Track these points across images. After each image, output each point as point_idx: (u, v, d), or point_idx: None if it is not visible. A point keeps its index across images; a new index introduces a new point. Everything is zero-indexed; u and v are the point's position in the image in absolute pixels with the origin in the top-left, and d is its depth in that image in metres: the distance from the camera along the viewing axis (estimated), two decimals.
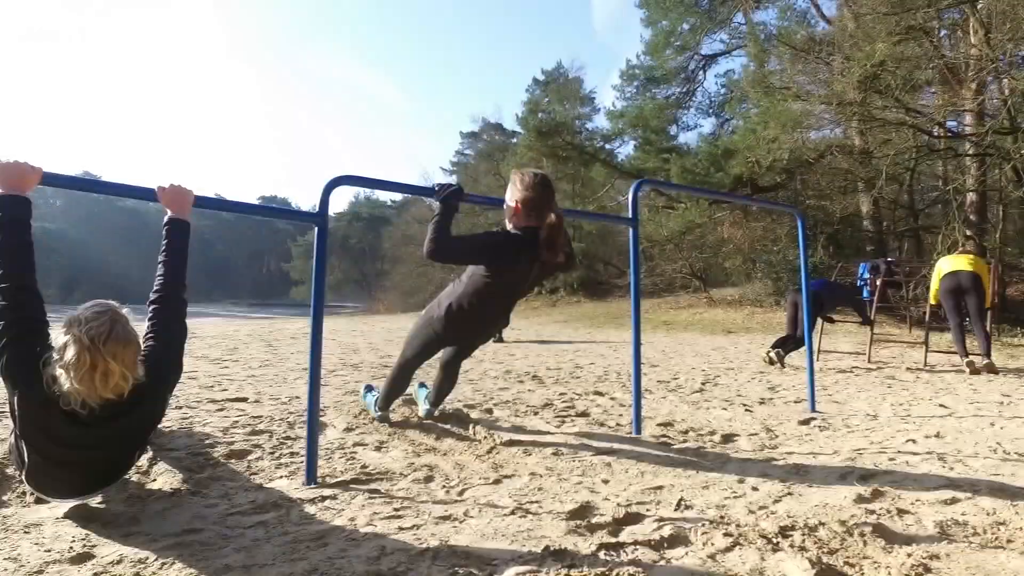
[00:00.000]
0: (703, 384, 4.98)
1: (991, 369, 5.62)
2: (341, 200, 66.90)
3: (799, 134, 13.22)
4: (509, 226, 2.47)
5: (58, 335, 1.56)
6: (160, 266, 1.87)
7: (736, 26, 19.33)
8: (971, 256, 6.22)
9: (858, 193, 14.84)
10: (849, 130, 14.56)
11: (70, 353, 1.51)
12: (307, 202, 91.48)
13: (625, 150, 22.05)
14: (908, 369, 6.07)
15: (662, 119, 19.34)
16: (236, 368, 5.30)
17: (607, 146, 21.53)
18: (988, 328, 5.98)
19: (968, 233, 12.10)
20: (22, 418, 1.58)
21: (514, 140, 28.86)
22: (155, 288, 1.85)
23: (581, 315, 17.05)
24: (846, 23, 13.31)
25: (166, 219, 1.92)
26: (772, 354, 6.13)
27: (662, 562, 1.45)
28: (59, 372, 1.52)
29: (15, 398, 1.56)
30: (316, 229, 2.20)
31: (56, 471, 1.68)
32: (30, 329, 1.59)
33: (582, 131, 21.96)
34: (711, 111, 21.57)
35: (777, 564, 1.40)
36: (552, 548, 1.48)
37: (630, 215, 3.09)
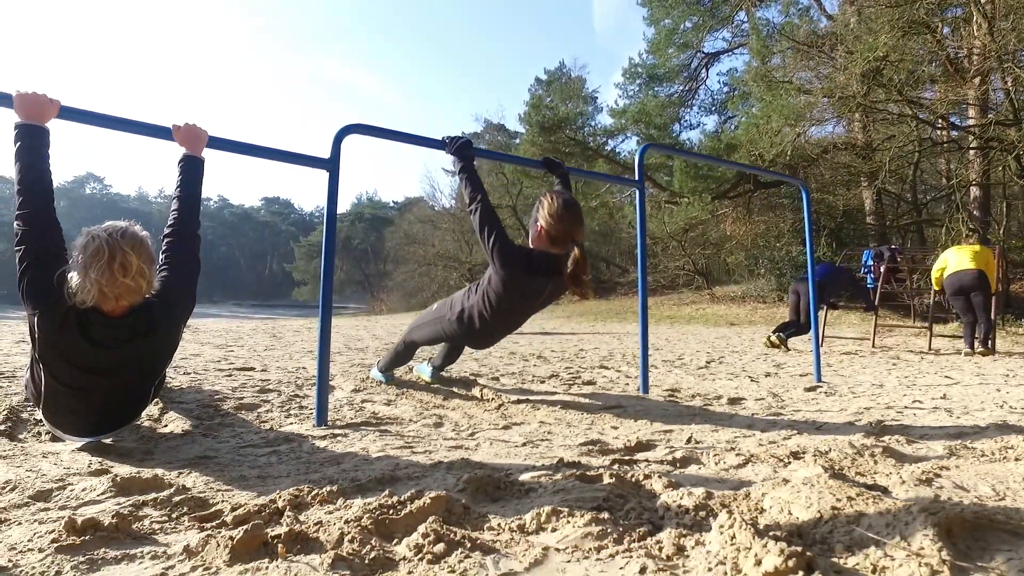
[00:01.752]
0: (708, 363, 4.99)
1: (986, 353, 5.78)
2: (344, 200, 66.98)
3: (802, 127, 13.22)
4: (532, 244, 2.44)
5: (76, 246, 1.59)
6: (175, 201, 1.90)
7: (738, 24, 19.39)
8: (976, 249, 6.16)
9: (861, 187, 14.83)
10: (852, 125, 14.57)
11: (89, 249, 1.54)
12: (309, 203, 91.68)
13: (628, 146, 22.04)
14: (912, 352, 6.07)
15: (665, 116, 19.36)
16: (242, 352, 5.31)
17: (609, 142, 21.52)
18: (992, 318, 6.03)
19: (972, 226, 12.10)
20: (41, 341, 1.60)
21: (516, 140, 28.79)
22: (169, 223, 1.87)
23: (584, 311, 17.04)
24: (848, 18, 13.33)
25: (181, 156, 1.95)
26: (774, 337, 6.20)
27: (677, 472, 1.46)
28: (77, 275, 1.55)
29: (35, 319, 1.58)
30: (328, 175, 2.23)
31: (71, 400, 1.69)
32: (50, 253, 1.61)
33: (584, 127, 21.91)
34: (713, 109, 21.60)
35: (791, 473, 1.41)
36: (566, 461, 1.49)
37: (636, 178, 3.12)
